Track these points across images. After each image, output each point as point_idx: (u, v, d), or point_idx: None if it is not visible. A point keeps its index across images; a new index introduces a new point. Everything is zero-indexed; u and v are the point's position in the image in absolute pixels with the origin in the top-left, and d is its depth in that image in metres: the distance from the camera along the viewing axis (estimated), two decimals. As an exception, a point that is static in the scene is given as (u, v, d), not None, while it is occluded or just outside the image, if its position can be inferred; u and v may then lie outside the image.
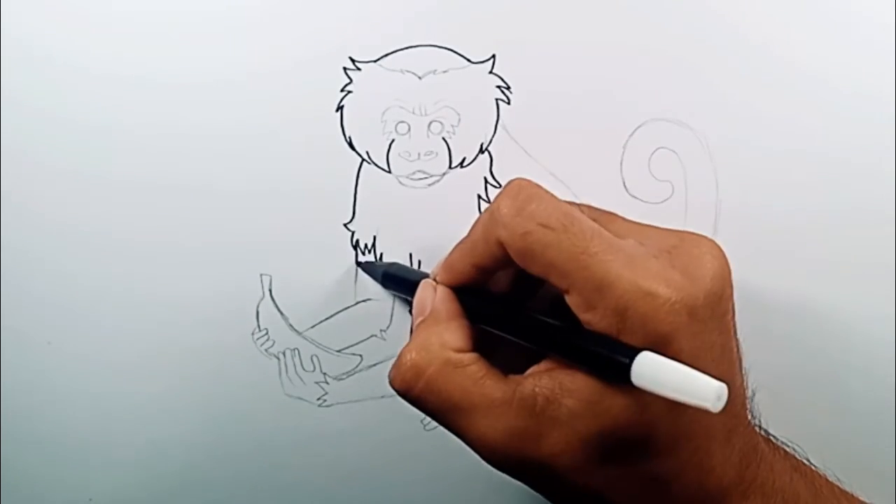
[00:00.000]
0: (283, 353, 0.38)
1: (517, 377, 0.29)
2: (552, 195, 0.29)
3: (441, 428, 0.30)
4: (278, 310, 0.38)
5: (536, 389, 0.28)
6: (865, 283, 0.37)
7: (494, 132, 0.37)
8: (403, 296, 0.35)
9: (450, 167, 0.37)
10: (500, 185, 0.37)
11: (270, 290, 0.37)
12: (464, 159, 0.37)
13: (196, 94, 0.36)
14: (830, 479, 0.33)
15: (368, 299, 0.38)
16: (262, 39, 0.36)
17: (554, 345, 0.29)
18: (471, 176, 0.37)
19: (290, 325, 0.38)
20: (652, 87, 0.36)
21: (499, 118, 0.37)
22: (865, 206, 0.36)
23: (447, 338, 0.30)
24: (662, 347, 0.26)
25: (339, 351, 0.38)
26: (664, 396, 0.24)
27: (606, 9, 0.36)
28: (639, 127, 0.37)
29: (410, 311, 0.33)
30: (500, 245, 0.29)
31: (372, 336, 0.38)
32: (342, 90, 0.36)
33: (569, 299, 0.28)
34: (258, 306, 0.37)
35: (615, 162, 0.37)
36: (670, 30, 0.36)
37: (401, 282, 0.36)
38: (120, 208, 0.37)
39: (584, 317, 0.27)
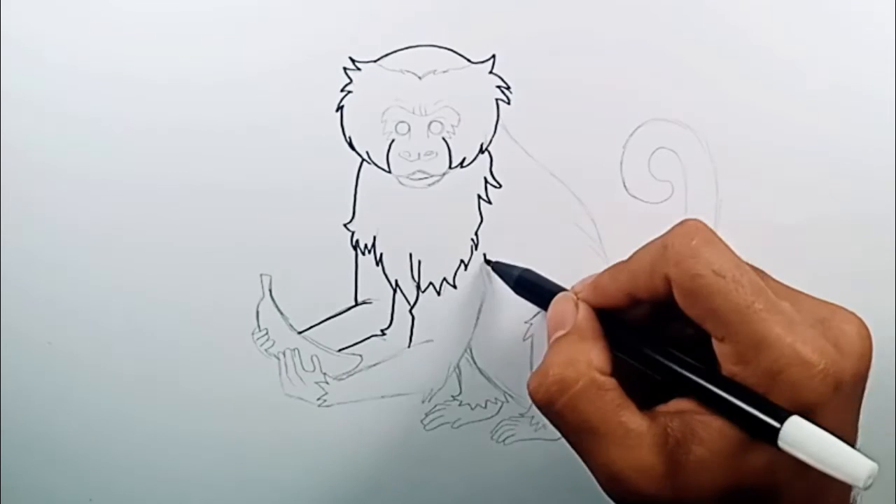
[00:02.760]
0: (283, 353, 0.38)
1: (649, 412, 0.29)
2: (726, 244, 0.29)
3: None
4: (278, 310, 0.38)
5: (668, 430, 0.28)
6: (866, 284, 0.37)
7: (494, 132, 0.37)
8: (533, 304, 0.35)
9: (450, 167, 0.37)
10: (500, 185, 0.37)
11: (270, 290, 0.37)
12: (464, 159, 0.37)
13: (196, 93, 0.36)
14: None
15: (368, 299, 0.38)
16: (262, 39, 0.36)
17: (695, 389, 0.28)
18: (471, 176, 0.37)
19: (290, 325, 0.38)
20: (652, 87, 0.36)
21: (499, 118, 0.37)
22: (866, 206, 0.36)
23: (593, 357, 0.30)
24: (807, 416, 0.26)
25: (339, 351, 0.38)
26: (811, 465, 0.24)
27: (607, 9, 0.36)
28: (639, 127, 0.37)
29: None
30: (666, 281, 0.28)
31: (372, 336, 0.38)
32: (342, 90, 0.36)
33: (720, 347, 0.28)
34: (258, 306, 0.37)
35: (615, 162, 0.37)
36: (670, 30, 0.36)
37: (535, 290, 0.35)
38: (120, 208, 0.36)
39: (732, 369, 0.27)
